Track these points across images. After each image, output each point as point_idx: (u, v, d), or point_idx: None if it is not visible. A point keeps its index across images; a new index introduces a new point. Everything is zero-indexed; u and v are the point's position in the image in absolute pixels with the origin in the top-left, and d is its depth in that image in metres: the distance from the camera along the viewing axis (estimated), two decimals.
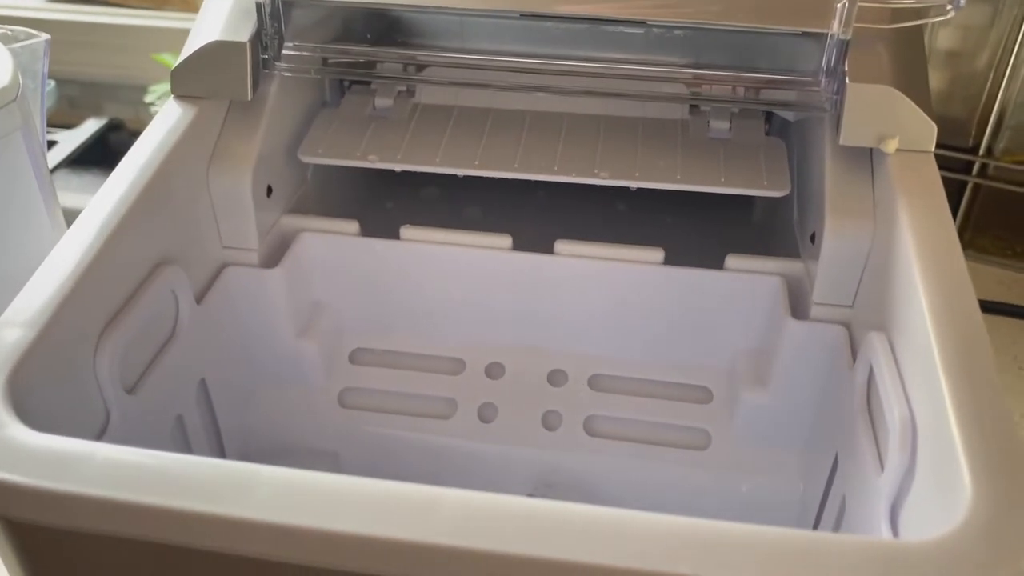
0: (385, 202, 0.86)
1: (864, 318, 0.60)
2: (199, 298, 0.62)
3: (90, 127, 1.25)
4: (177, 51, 0.66)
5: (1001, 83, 0.93)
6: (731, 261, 0.66)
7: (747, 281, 0.66)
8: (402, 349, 0.73)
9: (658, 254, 0.66)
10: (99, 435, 0.52)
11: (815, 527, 0.62)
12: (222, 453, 0.67)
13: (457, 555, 0.38)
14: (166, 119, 0.61)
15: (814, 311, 0.62)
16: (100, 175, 1.16)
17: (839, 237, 0.59)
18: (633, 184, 0.65)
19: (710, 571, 0.36)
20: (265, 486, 0.40)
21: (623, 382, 0.70)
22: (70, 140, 1.21)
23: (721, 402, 0.68)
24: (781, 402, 0.65)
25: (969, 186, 0.98)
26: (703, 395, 0.70)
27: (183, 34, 0.65)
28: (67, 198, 0.84)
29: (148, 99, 1.24)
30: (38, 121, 0.83)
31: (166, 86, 1.13)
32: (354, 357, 0.72)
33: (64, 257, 0.50)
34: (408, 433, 0.69)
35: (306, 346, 0.69)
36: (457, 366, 0.72)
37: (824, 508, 0.60)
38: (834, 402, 0.60)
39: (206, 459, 0.41)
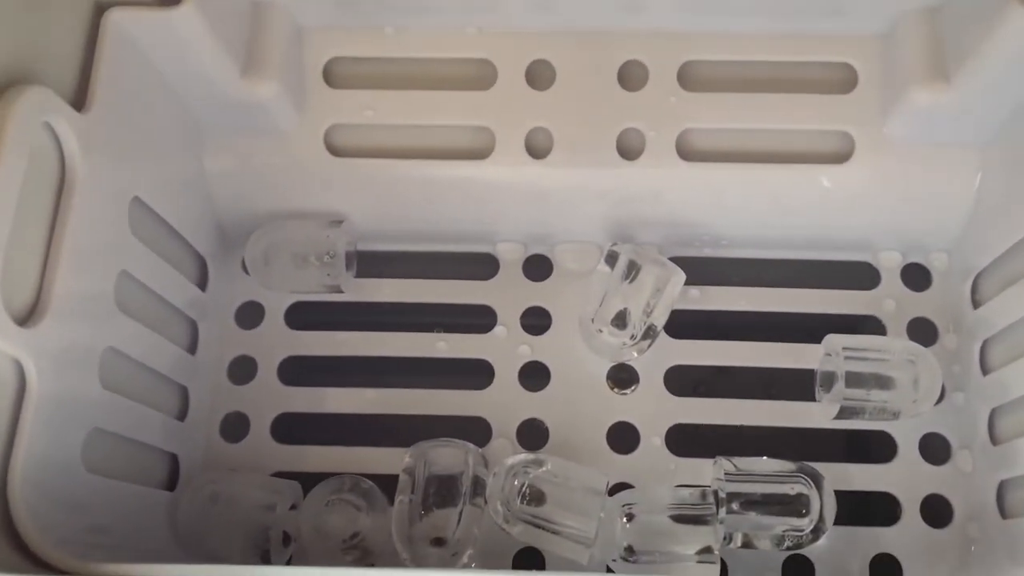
0: None
1: None
2: (80, 99, 0.38)
3: None
4: None
5: None
6: None
7: None
8: (398, 53, 0.49)
9: None
10: (17, 401, 0.34)
11: None
12: (204, 275, 0.50)
13: None
14: None
15: None
16: None
17: None
18: None
19: None
20: None
21: (729, 70, 0.49)
22: None
23: (870, 90, 0.48)
24: (965, 103, 0.45)
25: None
26: (845, 77, 0.48)
27: None
28: None
29: None
30: None
31: None
32: (332, 74, 0.50)
33: None
34: (432, 178, 0.50)
35: (260, 85, 0.46)
36: (485, 72, 0.49)
37: None
38: None
39: None
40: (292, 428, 0.50)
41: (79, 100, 0.38)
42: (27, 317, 0.35)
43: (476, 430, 0.49)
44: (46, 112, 0.36)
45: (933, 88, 0.45)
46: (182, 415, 0.48)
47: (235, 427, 0.50)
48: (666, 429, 0.49)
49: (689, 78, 0.49)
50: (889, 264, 0.51)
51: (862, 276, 0.52)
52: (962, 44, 0.43)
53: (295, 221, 0.51)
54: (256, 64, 0.46)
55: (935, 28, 0.45)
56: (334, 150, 0.49)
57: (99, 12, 0.40)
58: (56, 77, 0.37)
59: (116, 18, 0.40)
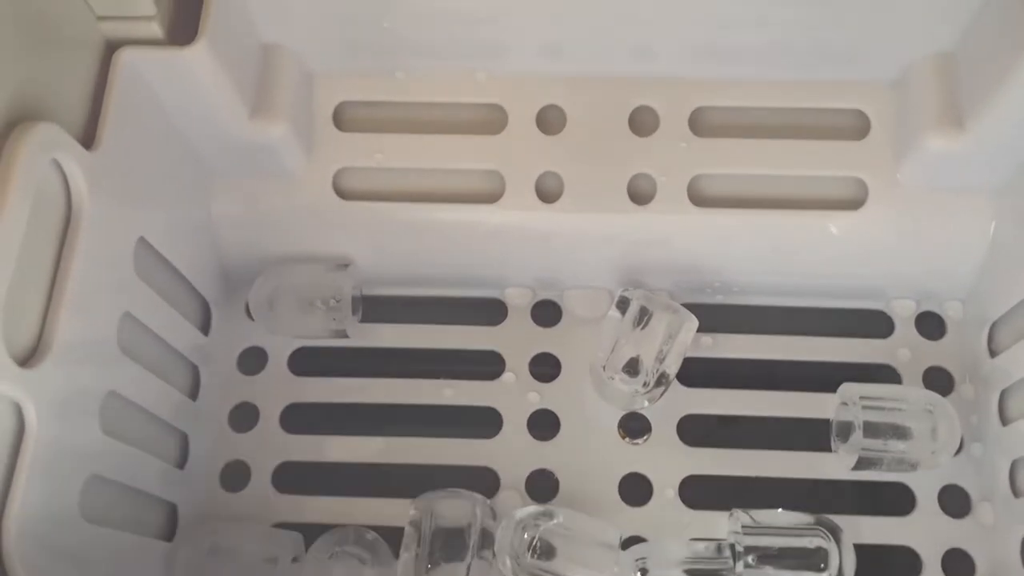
0: None
1: None
2: (89, 137, 0.38)
3: None
4: None
5: None
6: None
7: None
8: (408, 98, 0.49)
9: None
10: (15, 445, 0.33)
11: None
12: (207, 319, 0.49)
13: None
14: None
15: None
16: None
17: None
18: None
19: None
20: None
21: (740, 116, 0.49)
22: None
23: (883, 136, 0.48)
24: (980, 150, 0.44)
25: None
26: (857, 124, 0.48)
27: None
28: None
29: None
30: None
31: None
32: (341, 118, 0.49)
33: None
34: (440, 222, 0.49)
35: (269, 126, 0.46)
36: (496, 116, 0.49)
37: None
38: None
39: None
40: (294, 477, 0.49)
41: (88, 138, 0.38)
42: (28, 358, 0.34)
43: (484, 480, 0.47)
44: (55, 149, 0.35)
45: (947, 134, 0.44)
46: (181, 463, 0.47)
47: (236, 476, 0.48)
48: (680, 480, 0.47)
49: (700, 124, 0.48)
50: (903, 312, 0.51)
51: (876, 324, 0.51)
52: (976, 90, 0.43)
53: (301, 265, 0.50)
54: (265, 106, 0.46)
55: (948, 74, 0.45)
56: (342, 193, 0.49)
57: (110, 50, 0.39)
58: (66, 115, 0.37)
59: (127, 57, 0.40)
